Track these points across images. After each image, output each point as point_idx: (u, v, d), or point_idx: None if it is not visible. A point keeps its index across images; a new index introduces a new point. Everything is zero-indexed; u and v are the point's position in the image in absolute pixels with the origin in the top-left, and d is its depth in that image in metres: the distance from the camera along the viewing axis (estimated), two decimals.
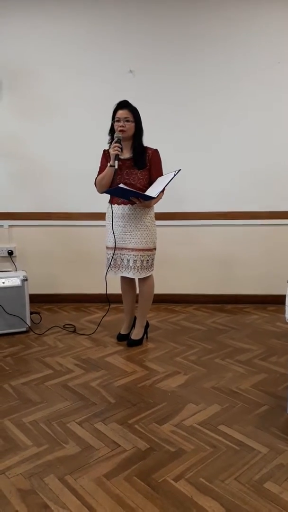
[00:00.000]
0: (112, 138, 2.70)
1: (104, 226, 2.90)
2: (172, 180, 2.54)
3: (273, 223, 3.72)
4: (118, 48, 3.55)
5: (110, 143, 2.71)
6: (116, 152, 2.58)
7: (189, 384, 2.41)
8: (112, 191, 2.63)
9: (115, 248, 2.75)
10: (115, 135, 2.62)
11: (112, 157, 2.60)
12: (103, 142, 2.79)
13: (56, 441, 1.90)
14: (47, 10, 3.52)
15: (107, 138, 2.76)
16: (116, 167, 2.59)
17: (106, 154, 2.75)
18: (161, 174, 2.73)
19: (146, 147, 2.73)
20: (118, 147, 2.58)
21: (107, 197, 2.83)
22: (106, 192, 2.66)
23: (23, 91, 3.63)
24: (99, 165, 2.77)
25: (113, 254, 2.76)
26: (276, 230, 3.73)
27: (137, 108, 2.70)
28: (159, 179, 2.69)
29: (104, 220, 2.89)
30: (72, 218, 3.75)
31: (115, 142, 2.59)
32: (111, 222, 2.74)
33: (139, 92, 3.46)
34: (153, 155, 2.72)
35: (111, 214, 2.75)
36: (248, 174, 3.67)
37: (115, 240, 2.74)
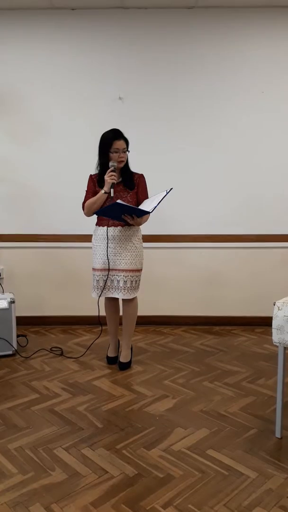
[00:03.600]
0: (101, 165, 2.76)
1: (90, 248, 2.91)
2: (164, 197, 2.61)
3: (260, 246, 3.77)
4: (109, 74, 3.65)
5: (100, 168, 2.77)
6: (113, 180, 2.65)
7: (177, 408, 2.39)
8: (107, 208, 2.64)
9: (109, 270, 2.78)
10: (110, 163, 2.68)
11: (108, 185, 2.65)
12: (92, 165, 2.83)
13: (42, 468, 1.86)
14: (40, 36, 3.62)
15: (95, 161, 2.81)
16: (112, 195, 2.66)
17: (93, 179, 2.80)
18: (147, 197, 2.82)
19: (132, 171, 2.84)
20: (114, 176, 2.66)
21: (94, 219, 2.86)
22: (99, 211, 2.69)
23: (14, 115, 3.69)
24: (85, 189, 2.82)
25: (108, 275, 2.79)
26: (263, 252, 3.79)
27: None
28: (149, 199, 2.76)
29: (90, 241, 2.92)
30: (60, 240, 3.76)
31: (112, 171, 2.65)
32: (105, 244, 2.76)
33: (128, 117, 3.55)
34: (140, 179, 2.84)
35: (102, 236, 2.78)
36: (235, 197, 3.74)
37: (108, 262, 2.77)
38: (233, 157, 3.71)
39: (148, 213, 2.62)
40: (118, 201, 2.59)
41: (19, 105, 3.67)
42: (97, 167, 2.80)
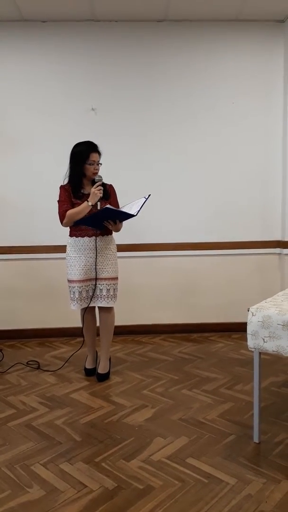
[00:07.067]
0: (75, 175, 2.76)
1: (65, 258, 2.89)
2: (144, 204, 2.66)
3: (234, 253, 3.84)
4: (80, 86, 3.67)
5: (74, 178, 2.76)
6: (101, 194, 2.70)
7: (156, 417, 2.38)
8: (95, 214, 2.66)
9: (96, 279, 2.79)
10: (96, 178, 2.74)
11: (96, 198, 2.69)
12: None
13: (19, 486, 1.81)
14: (10, 49, 3.62)
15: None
16: (99, 207, 2.69)
17: (67, 189, 2.79)
18: (118, 206, 2.86)
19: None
20: (102, 189, 2.71)
21: (68, 229, 2.84)
22: (81, 220, 2.69)
23: None
24: (59, 199, 2.78)
25: (96, 285, 2.80)
26: (237, 259, 3.85)
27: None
28: (126, 207, 2.78)
29: (65, 252, 2.89)
30: (34, 251, 3.72)
31: (99, 185, 2.70)
32: (86, 255, 2.77)
33: (101, 128, 3.57)
34: (111, 189, 2.89)
35: (84, 246, 2.77)
36: (209, 206, 3.80)
37: (96, 271, 2.78)
38: (206, 166, 3.78)
39: (133, 216, 2.67)
40: (108, 206, 2.64)
41: None
42: (68, 177, 2.79)
